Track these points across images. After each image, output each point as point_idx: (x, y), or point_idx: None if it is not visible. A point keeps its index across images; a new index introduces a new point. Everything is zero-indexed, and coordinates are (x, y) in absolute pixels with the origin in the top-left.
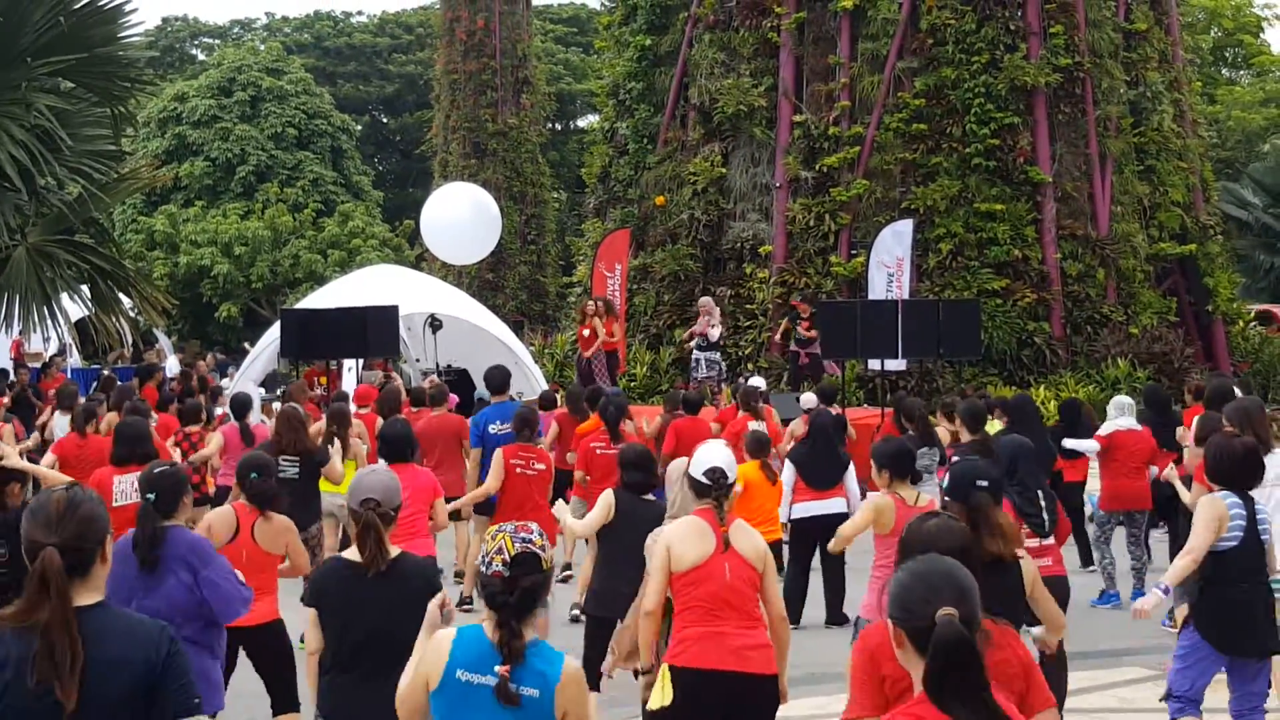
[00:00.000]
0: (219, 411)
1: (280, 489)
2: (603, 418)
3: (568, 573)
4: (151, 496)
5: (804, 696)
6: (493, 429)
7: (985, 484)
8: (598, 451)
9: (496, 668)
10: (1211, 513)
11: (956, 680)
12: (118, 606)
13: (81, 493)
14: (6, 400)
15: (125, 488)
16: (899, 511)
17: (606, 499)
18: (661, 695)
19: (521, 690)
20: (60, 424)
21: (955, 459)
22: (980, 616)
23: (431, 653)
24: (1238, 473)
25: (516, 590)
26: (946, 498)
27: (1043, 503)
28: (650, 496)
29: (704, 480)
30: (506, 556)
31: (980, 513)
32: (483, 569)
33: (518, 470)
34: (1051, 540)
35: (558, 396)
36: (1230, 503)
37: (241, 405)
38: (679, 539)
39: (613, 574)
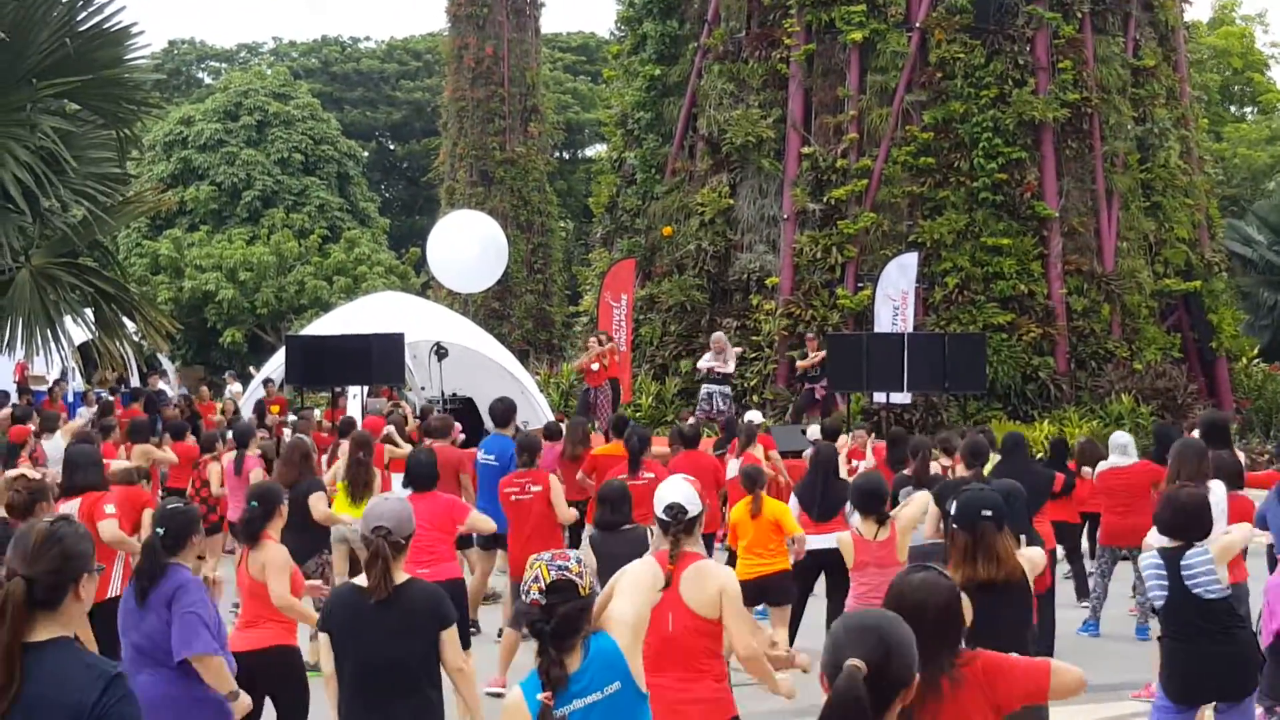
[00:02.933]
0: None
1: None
2: (627, 448)
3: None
4: (160, 532)
5: None
6: (480, 458)
7: (990, 513)
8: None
9: (539, 695)
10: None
11: None
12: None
13: (66, 526)
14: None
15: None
16: (856, 546)
17: (585, 540)
18: None
19: (606, 691)
20: (46, 446)
21: (963, 489)
22: (911, 671)
23: (513, 713)
24: (1178, 524)
25: (554, 617)
26: (954, 525)
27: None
28: (627, 528)
29: (664, 517)
30: (543, 584)
31: (983, 539)
32: (522, 598)
33: (513, 498)
34: None
35: (562, 427)
36: (1148, 563)
37: (243, 435)
38: (628, 582)
39: None
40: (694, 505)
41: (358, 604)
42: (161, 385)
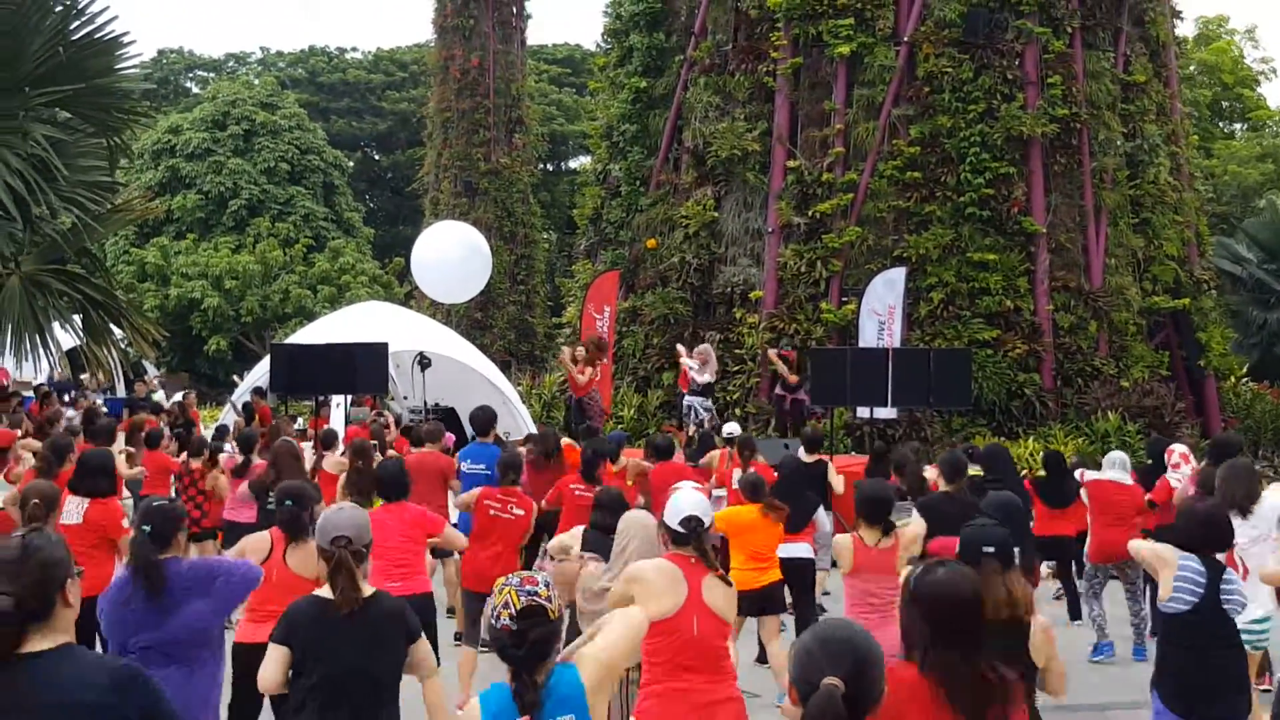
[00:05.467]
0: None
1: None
2: (581, 459)
3: None
4: (147, 529)
5: None
6: (464, 467)
7: (992, 550)
8: (576, 493)
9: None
10: (1164, 554)
11: None
12: (117, 644)
13: (39, 538)
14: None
15: (71, 508)
16: (856, 553)
17: (576, 535)
18: None
19: None
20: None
21: (969, 524)
22: (881, 686)
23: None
24: (1201, 536)
25: (525, 643)
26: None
27: None
28: None
29: (679, 529)
30: (513, 610)
31: (988, 579)
32: (492, 623)
33: (491, 512)
34: None
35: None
36: (1184, 564)
37: (247, 440)
38: (649, 589)
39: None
40: (709, 516)
41: (324, 617)
42: (159, 394)
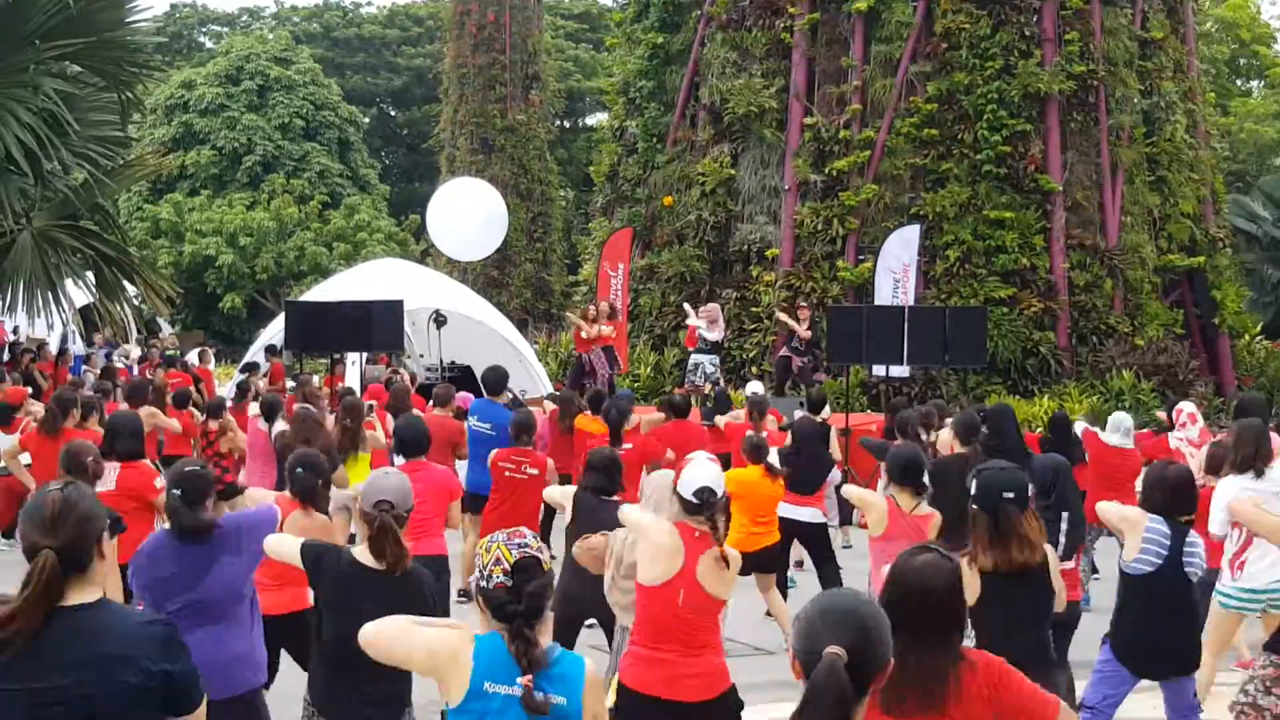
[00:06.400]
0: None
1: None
2: (606, 421)
3: None
4: (177, 493)
5: (781, 701)
6: (471, 423)
7: (1011, 494)
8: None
9: (519, 679)
10: (1131, 515)
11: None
12: (153, 605)
13: (77, 491)
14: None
15: (105, 473)
16: (890, 516)
17: (568, 493)
18: (609, 698)
19: (550, 698)
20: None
21: (982, 468)
22: (888, 657)
23: (458, 664)
24: (1169, 501)
25: (524, 597)
26: (974, 506)
27: (1063, 525)
28: (617, 498)
29: (693, 500)
30: (506, 566)
31: (1007, 522)
32: (484, 584)
33: (507, 474)
34: (1070, 564)
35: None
36: (1152, 526)
37: (271, 407)
38: (650, 550)
39: (576, 573)
40: (722, 486)
41: (355, 577)
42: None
